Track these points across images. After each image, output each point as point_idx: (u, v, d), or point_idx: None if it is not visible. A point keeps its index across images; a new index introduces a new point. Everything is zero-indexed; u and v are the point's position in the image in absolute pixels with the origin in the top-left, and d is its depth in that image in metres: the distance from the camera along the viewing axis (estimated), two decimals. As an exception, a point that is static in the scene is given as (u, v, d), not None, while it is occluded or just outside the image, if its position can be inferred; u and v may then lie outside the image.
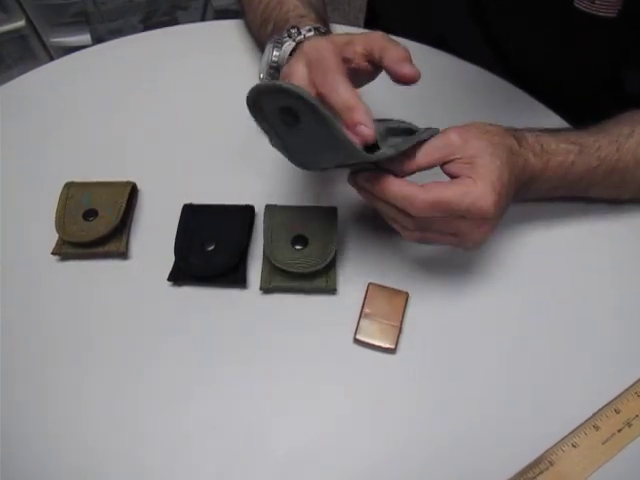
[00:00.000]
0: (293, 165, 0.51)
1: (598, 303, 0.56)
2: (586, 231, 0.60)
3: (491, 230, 0.49)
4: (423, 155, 0.48)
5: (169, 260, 0.56)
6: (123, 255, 0.57)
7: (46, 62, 1.49)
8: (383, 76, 0.49)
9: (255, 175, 0.63)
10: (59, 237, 0.57)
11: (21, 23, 1.57)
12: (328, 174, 0.62)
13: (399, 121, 0.51)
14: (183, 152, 0.65)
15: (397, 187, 0.46)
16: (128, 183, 0.60)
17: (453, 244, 0.51)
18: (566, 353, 0.53)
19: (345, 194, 0.60)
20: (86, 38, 1.54)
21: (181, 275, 0.55)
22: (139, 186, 0.62)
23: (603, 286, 0.57)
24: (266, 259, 0.55)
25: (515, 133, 0.52)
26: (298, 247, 0.55)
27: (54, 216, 0.58)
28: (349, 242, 0.58)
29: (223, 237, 0.56)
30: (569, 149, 0.54)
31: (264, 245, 0.55)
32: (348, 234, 0.59)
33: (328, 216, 0.56)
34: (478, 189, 0.46)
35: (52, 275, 0.57)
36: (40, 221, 0.59)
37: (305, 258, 0.54)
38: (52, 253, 0.57)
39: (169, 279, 0.55)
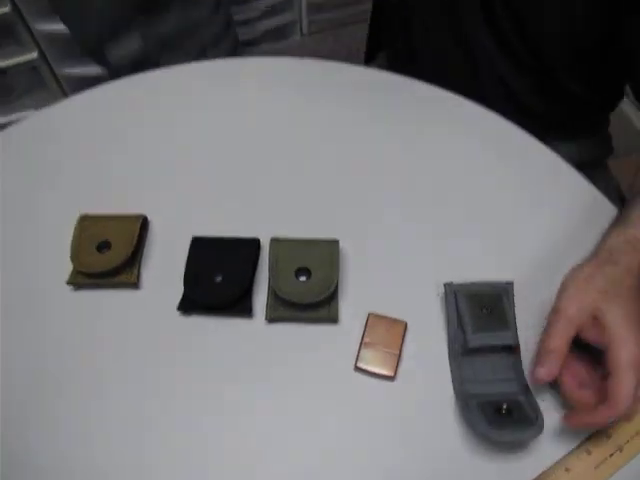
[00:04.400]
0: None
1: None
2: None
3: None
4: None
5: (179, 290, 0.59)
6: (134, 285, 0.60)
7: (57, 93, 1.54)
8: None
9: (260, 208, 0.66)
10: (74, 267, 0.60)
11: (34, 55, 1.61)
12: (329, 207, 0.65)
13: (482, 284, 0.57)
14: (192, 185, 0.68)
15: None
16: (139, 216, 0.63)
17: None
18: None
19: (346, 226, 0.63)
20: (96, 69, 1.58)
21: (190, 305, 0.58)
22: (150, 217, 0.64)
23: None
24: (271, 290, 0.58)
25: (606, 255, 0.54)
26: (302, 278, 0.58)
27: (69, 246, 0.61)
28: (350, 273, 0.61)
29: (230, 269, 0.59)
30: None
31: (269, 276, 0.58)
32: (348, 265, 0.61)
33: (330, 249, 0.59)
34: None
35: (66, 303, 0.60)
36: (55, 251, 0.62)
37: (308, 289, 0.57)
38: (67, 282, 0.60)
39: (179, 309, 0.58)
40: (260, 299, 0.59)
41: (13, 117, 1.70)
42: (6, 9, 1.48)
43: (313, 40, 1.95)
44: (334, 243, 0.60)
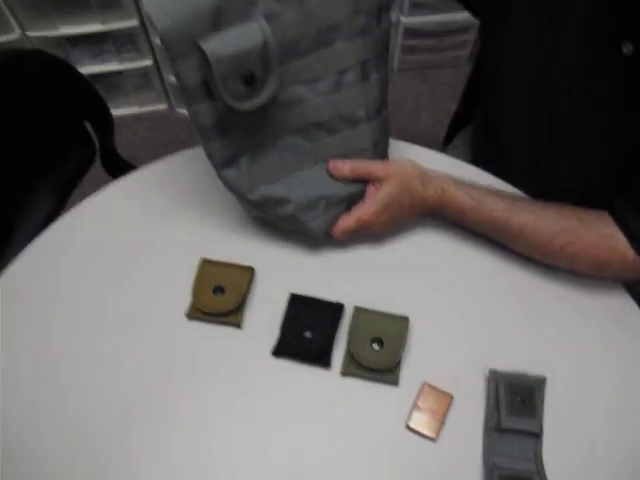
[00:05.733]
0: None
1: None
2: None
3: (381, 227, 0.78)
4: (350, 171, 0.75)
5: (272, 335, 0.73)
6: (238, 326, 0.74)
7: (162, 96, 1.69)
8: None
9: (348, 275, 0.79)
10: (193, 304, 0.75)
11: (149, 62, 1.78)
12: (402, 284, 0.78)
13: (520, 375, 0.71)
14: (294, 243, 0.82)
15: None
16: (249, 268, 0.77)
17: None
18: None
19: (416, 305, 0.75)
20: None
21: (282, 351, 0.72)
22: (255, 267, 0.78)
23: None
24: (348, 351, 0.71)
25: (425, 176, 0.76)
26: (375, 346, 0.71)
27: (190, 284, 0.75)
28: (412, 344, 0.73)
29: (318, 327, 0.73)
30: (465, 201, 0.75)
31: (348, 340, 0.71)
32: (412, 337, 0.74)
33: (401, 324, 0.72)
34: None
35: (181, 330, 0.75)
36: (177, 285, 0.77)
37: (380, 357, 0.70)
38: (186, 315, 0.75)
39: (273, 353, 0.72)
40: (337, 353, 0.73)
41: (119, 111, 1.89)
42: (135, 22, 1.65)
43: (401, 78, 2.06)
44: (405, 320, 0.73)
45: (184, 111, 1.92)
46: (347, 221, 0.76)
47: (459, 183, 0.77)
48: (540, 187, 0.84)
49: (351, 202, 0.77)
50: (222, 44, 0.61)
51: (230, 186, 0.73)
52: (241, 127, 0.69)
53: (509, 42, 0.82)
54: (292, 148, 0.73)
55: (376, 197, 0.75)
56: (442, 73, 2.07)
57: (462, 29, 1.91)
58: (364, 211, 0.75)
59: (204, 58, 0.60)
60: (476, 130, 1.13)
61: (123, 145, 1.19)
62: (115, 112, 1.82)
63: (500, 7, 0.82)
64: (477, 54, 1.07)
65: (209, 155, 0.71)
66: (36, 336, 0.74)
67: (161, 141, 1.85)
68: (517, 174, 0.88)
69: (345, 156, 0.75)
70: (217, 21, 0.61)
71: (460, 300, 0.78)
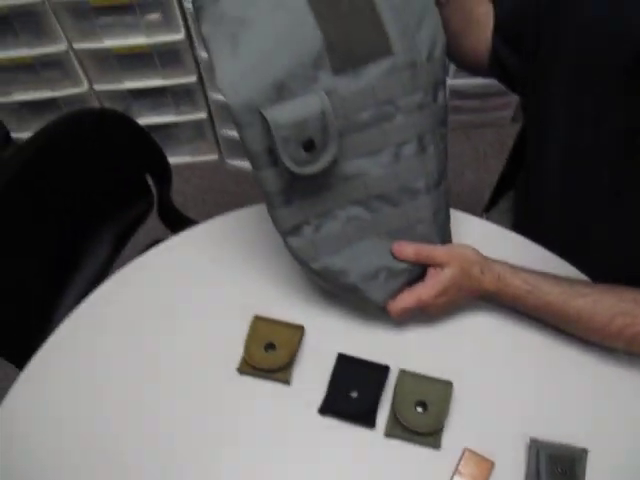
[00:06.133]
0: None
1: None
2: None
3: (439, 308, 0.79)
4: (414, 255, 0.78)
5: (319, 392, 0.76)
6: (287, 382, 0.78)
7: (213, 147, 1.75)
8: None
9: (394, 337, 0.82)
10: (244, 359, 0.78)
11: (203, 115, 1.87)
12: (446, 350, 0.80)
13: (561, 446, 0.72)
14: (344, 304, 0.85)
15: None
16: (300, 327, 0.80)
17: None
18: None
19: (460, 370, 0.78)
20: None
21: (328, 410, 0.75)
22: (306, 326, 0.82)
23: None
24: (393, 413, 0.74)
25: (484, 263, 0.78)
26: (419, 409, 0.74)
27: (242, 340, 0.79)
28: (455, 409, 0.75)
29: (364, 388, 0.75)
30: (520, 286, 0.76)
31: (393, 402, 0.74)
32: (455, 402, 0.76)
33: (445, 389, 0.74)
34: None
35: (231, 385, 0.78)
36: (230, 341, 0.80)
37: (423, 421, 0.72)
38: (237, 370, 0.78)
39: (319, 411, 0.75)
40: (382, 414, 0.75)
41: (172, 160, 1.96)
42: (193, 78, 1.74)
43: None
44: (449, 385, 0.75)
45: (234, 162, 1.99)
46: (407, 300, 0.77)
47: (516, 268, 0.78)
48: (579, 257, 0.87)
49: (412, 273, 0.79)
50: (283, 112, 0.66)
51: (294, 254, 0.77)
52: (305, 197, 0.73)
53: (551, 121, 0.85)
54: (354, 219, 0.76)
55: (437, 279, 0.76)
56: (485, 132, 2.11)
57: (504, 91, 1.94)
58: (425, 292, 0.76)
59: (267, 126, 0.66)
60: (518, 195, 1.16)
61: (175, 192, 1.25)
62: (169, 160, 1.92)
63: (537, 88, 0.86)
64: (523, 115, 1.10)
65: (275, 221, 0.75)
66: (91, 388, 0.79)
67: (211, 190, 1.93)
68: (556, 242, 0.90)
69: (407, 227, 0.77)
70: (280, 94, 0.67)
71: (504, 367, 0.80)
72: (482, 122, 2.11)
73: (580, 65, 0.78)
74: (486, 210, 1.26)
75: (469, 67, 0.93)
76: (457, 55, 0.89)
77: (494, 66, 0.89)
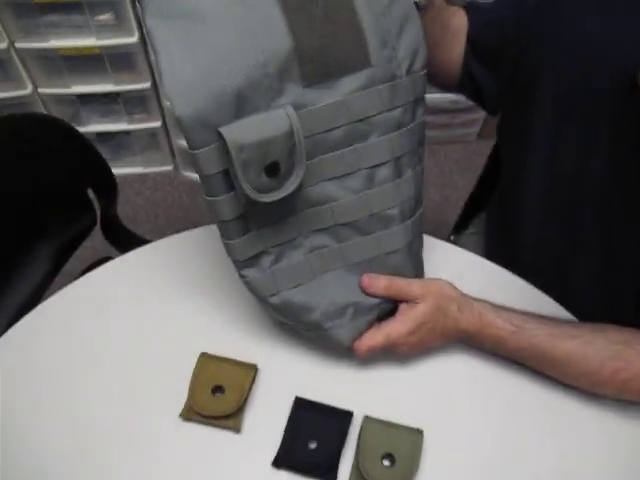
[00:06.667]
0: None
1: None
2: None
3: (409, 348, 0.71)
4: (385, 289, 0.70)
5: (273, 442, 0.67)
6: (237, 431, 0.68)
7: (168, 157, 1.67)
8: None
9: (358, 380, 0.73)
10: (189, 404, 0.69)
11: (157, 124, 1.77)
12: (420, 395, 0.72)
13: None
14: (303, 341, 0.76)
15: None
16: (252, 366, 0.71)
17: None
18: None
19: (431, 416, 0.70)
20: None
21: (283, 463, 0.66)
22: (259, 365, 0.73)
23: None
24: (356, 467, 0.65)
25: (462, 300, 0.70)
26: (386, 464, 0.65)
27: (187, 381, 0.70)
28: (427, 463, 0.67)
29: (324, 438, 0.67)
30: (503, 326, 0.69)
31: (356, 455, 0.65)
32: (427, 454, 0.67)
33: (414, 438, 0.66)
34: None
35: (173, 433, 0.68)
36: (173, 381, 0.71)
37: (390, 476, 0.64)
38: (181, 416, 0.69)
39: (273, 464, 0.66)
40: (343, 467, 0.66)
41: (123, 171, 1.86)
42: (147, 84, 1.64)
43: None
44: (419, 434, 0.67)
45: (189, 174, 1.89)
46: (375, 338, 0.69)
47: (498, 307, 0.71)
48: (561, 290, 0.80)
49: (382, 311, 0.71)
50: (244, 130, 0.57)
51: (251, 288, 0.67)
52: (266, 224, 0.64)
53: (532, 150, 0.80)
54: (319, 249, 0.67)
55: (409, 315, 0.69)
56: (451, 149, 2.07)
57: (473, 107, 1.91)
58: (395, 328, 0.69)
59: (224, 145, 0.56)
60: (491, 218, 1.09)
61: (124, 204, 1.15)
62: (120, 171, 1.81)
63: (514, 115, 0.82)
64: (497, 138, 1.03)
65: (229, 252, 0.65)
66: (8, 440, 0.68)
67: (164, 203, 1.82)
68: (534, 272, 0.83)
69: (378, 258, 0.69)
70: (240, 107, 0.58)
71: (479, 414, 0.72)
72: (447, 138, 2.06)
73: (563, 94, 0.73)
74: (454, 232, 1.19)
75: (439, 82, 0.86)
76: (428, 68, 0.82)
77: (465, 82, 0.83)
